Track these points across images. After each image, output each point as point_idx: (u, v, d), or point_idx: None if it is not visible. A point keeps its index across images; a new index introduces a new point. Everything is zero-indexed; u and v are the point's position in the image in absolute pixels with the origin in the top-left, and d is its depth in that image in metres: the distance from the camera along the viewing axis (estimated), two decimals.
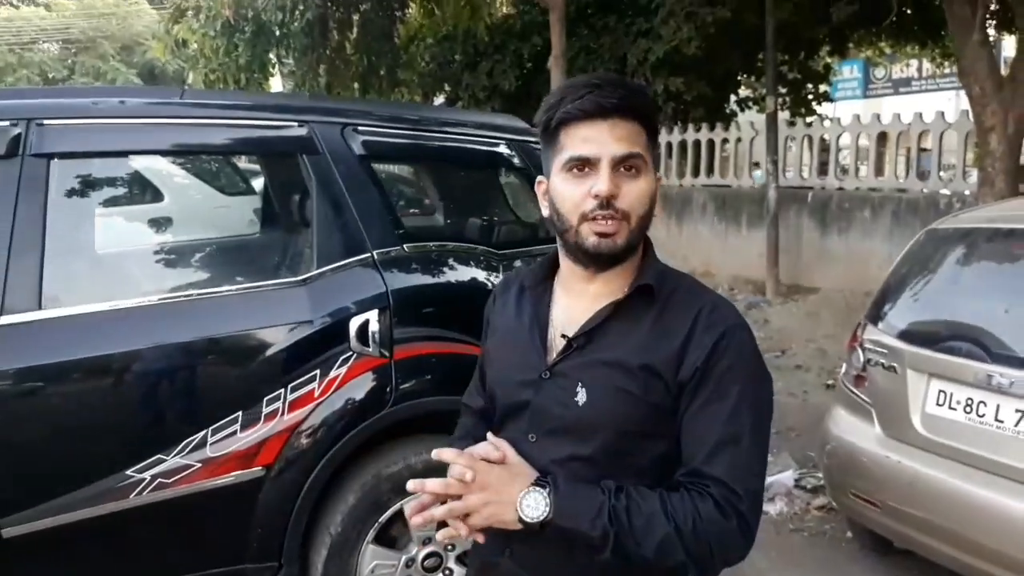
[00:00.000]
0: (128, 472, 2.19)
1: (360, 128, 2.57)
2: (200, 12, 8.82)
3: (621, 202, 1.12)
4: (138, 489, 2.20)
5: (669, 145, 9.94)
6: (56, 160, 2.26)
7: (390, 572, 2.50)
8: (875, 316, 3.16)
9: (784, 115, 10.87)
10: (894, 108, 12.70)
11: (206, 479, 2.26)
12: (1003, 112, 6.07)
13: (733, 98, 12.09)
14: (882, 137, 8.05)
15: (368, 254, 2.46)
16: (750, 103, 12.10)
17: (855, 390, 3.12)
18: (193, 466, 2.24)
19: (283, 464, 2.34)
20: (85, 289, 2.39)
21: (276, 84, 12.01)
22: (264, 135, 2.55)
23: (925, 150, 8.32)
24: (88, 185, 2.65)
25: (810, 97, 12.17)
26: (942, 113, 7.66)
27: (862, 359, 3.08)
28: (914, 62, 17.31)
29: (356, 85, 10.63)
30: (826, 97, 12.63)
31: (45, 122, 2.24)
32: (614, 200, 1.11)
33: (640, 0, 9.94)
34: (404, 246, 2.54)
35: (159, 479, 2.22)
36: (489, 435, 1.22)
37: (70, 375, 2.19)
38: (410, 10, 10.95)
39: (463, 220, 3.32)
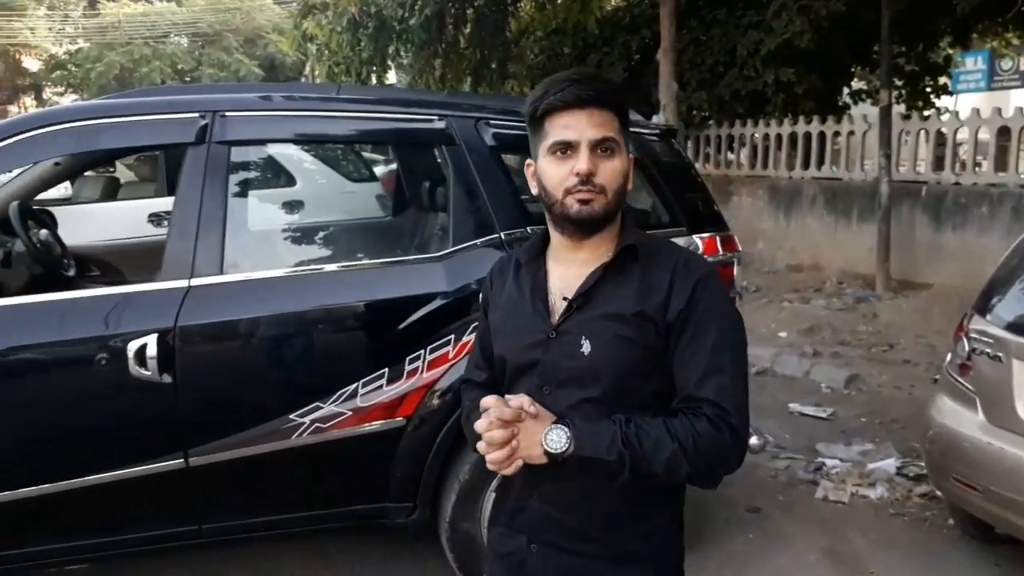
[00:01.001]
0: (291, 416, 2.55)
1: (491, 122, 2.85)
2: (328, 9, 9.40)
3: (599, 178, 1.30)
4: (299, 431, 2.56)
5: (779, 137, 9.85)
6: (235, 147, 2.63)
7: None
8: (982, 307, 3.21)
9: (900, 108, 10.57)
10: (1022, 101, 12.12)
11: (355, 426, 2.60)
12: None
13: (846, 90, 11.81)
14: (1004, 131, 7.79)
15: (497, 235, 2.74)
16: (864, 95, 11.80)
17: (959, 379, 3.19)
18: (345, 414, 2.58)
19: (421, 416, 2.65)
20: (254, 258, 2.76)
21: (391, 76, 12.50)
22: (408, 128, 2.86)
23: None
24: (251, 168, 3.03)
25: (928, 89, 11.77)
26: None
27: (967, 348, 3.15)
28: None
29: (468, 78, 11.04)
30: (945, 90, 12.16)
31: (227, 114, 2.61)
32: (592, 177, 1.29)
33: None
34: (528, 228, 2.79)
35: (316, 423, 2.57)
36: (511, 396, 1.33)
37: (247, 330, 2.56)
38: (522, 4, 11.24)
39: None
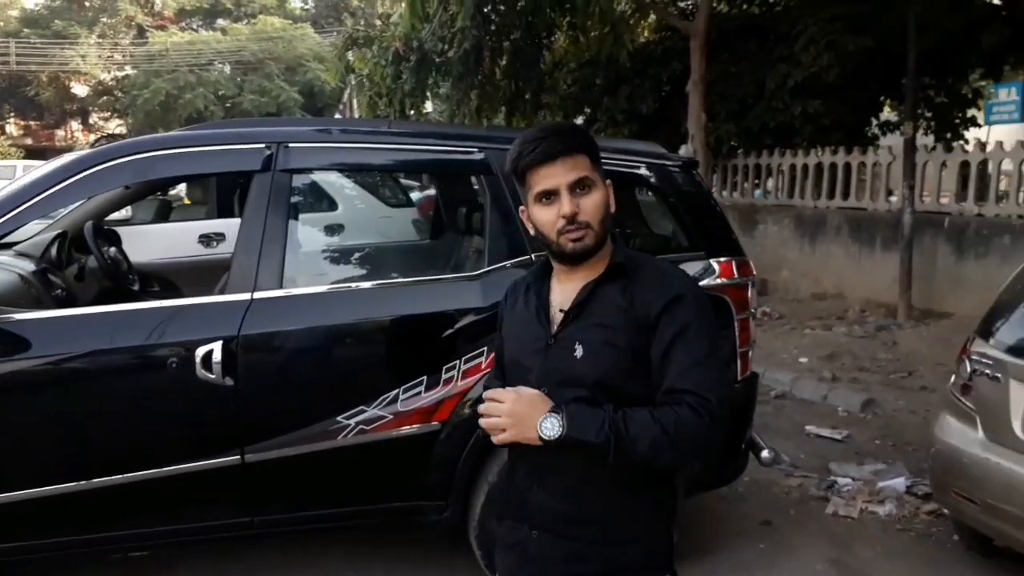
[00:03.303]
0: (338, 418, 2.82)
1: None
2: (372, 43, 9.86)
3: (582, 216, 1.49)
4: (344, 432, 2.82)
5: (805, 167, 10.05)
6: (296, 174, 2.94)
7: None
8: (985, 331, 3.41)
9: (928, 139, 10.71)
10: None
11: (396, 428, 2.86)
12: None
13: (875, 121, 11.97)
14: None
15: (528, 256, 3.00)
16: (893, 127, 11.95)
17: (961, 398, 3.37)
18: (387, 417, 2.84)
19: (455, 421, 2.89)
20: (310, 274, 3.07)
21: (427, 106, 12.90)
22: (451, 158, 3.15)
23: None
24: (308, 195, 3.34)
25: (957, 121, 11.89)
26: None
27: (969, 370, 3.34)
28: None
29: (503, 108, 11.41)
30: (973, 122, 12.27)
31: (290, 145, 2.92)
32: (577, 216, 1.49)
33: (781, 27, 10.13)
34: None
35: (360, 425, 2.83)
36: (521, 388, 1.51)
37: (302, 339, 2.85)
38: (556, 37, 11.60)
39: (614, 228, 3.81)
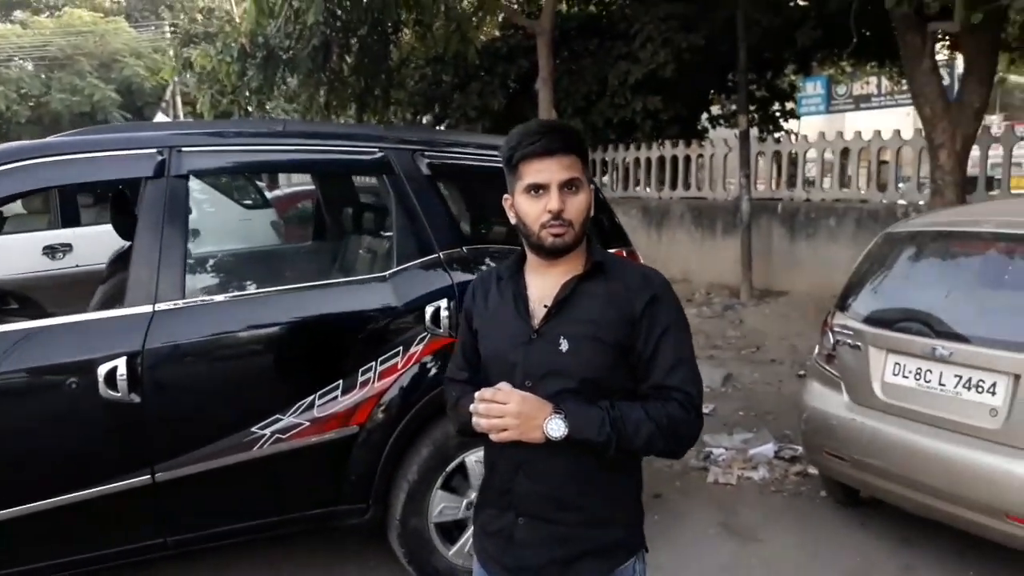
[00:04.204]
0: (252, 429, 2.74)
1: (426, 153, 3.15)
2: (213, 39, 9.42)
3: (567, 214, 1.54)
4: (260, 443, 2.75)
5: (648, 160, 10.60)
6: (192, 178, 2.81)
7: (454, 513, 3.06)
8: (843, 305, 3.79)
9: (753, 131, 11.61)
10: (855, 122, 13.50)
11: (313, 435, 2.81)
12: (951, 130, 6.77)
13: (705, 115, 12.80)
14: (845, 152, 8.80)
15: (436, 254, 3.04)
16: (721, 120, 12.82)
17: (826, 367, 3.74)
18: (303, 424, 2.79)
19: (373, 423, 2.89)
20: (214, 282, 2.94)
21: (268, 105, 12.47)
22: (351, 158, 3.12)
23: (884, 162, 9.01)
24: (194, 198, 3.19)
25: (777, 114, 12.93)
26: (898, 131, 8.39)
27: (832, 340, 3.70)
28: (873, 79, 18.19)
29: (353, 105, 11.23)
30: (792, 114, 13.41)
31: (183, 149, 2.79)
32: (562, 213, 1.54)
33: (620, 25, 10.61)
34: (463, 248, 3.11)
35: (276, 435, 2.77)
36: (503, 384, 1.54)
37: (210, 348, 2.73)
38: (403, 34, 11.54)
39: (501, 226, 3.85)
